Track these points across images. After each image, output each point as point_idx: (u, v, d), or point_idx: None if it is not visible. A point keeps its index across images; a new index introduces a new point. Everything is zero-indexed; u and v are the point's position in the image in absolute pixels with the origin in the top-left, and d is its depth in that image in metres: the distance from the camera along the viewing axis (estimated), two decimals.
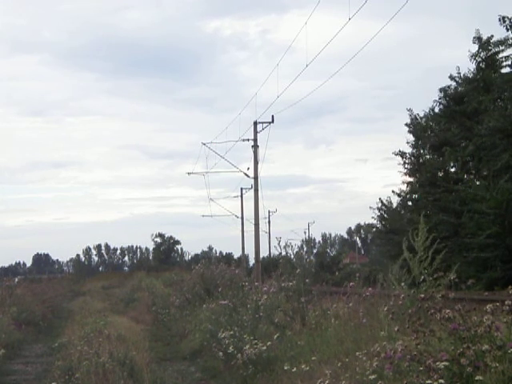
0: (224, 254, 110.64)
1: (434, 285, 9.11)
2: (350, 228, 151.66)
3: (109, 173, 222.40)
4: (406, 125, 38.64)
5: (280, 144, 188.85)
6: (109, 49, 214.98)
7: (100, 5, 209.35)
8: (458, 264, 9.58)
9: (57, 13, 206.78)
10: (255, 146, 32.39)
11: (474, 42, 34.00)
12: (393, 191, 39.69)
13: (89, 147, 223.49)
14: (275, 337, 11.92)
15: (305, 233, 22.83)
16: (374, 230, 45.76)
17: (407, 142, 38.58)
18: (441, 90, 36.63)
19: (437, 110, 37.51)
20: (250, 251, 44.65)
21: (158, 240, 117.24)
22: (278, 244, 15.41)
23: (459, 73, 35.83)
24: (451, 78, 36.31)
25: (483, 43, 33.89)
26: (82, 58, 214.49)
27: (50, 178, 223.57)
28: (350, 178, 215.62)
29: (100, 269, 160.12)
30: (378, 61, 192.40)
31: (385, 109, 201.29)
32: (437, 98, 37.20)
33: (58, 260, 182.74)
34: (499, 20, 30.36)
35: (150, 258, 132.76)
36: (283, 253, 15.43)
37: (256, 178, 32.47)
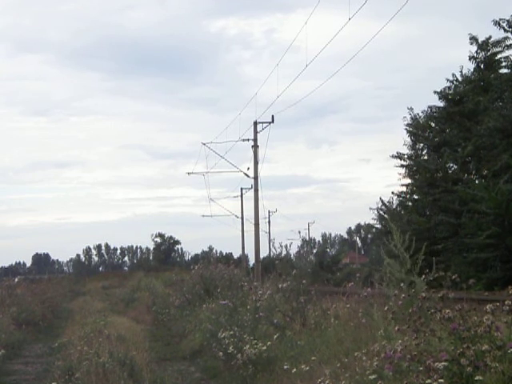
0: (224, 253, 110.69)
1: (413, 286, 9.24)
2: (350, 228, 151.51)
3: (111, 173, 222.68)
4: (407, 125, 38.60)
5: (282, 144, 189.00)
6: (112, 48, 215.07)
7: (104, 4, 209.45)
8: (434, 265, 9.59)
9: (60, 12, 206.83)
10: (255, 146, 32.45)
11: (472, 43, 34.07)
12: (392, 192, 39.70)
13: (91, 147, 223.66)
14: (275, 337, 11.93)
15: (299, 232, 22.58)
16: (374, 229, 45.81)
17: (404, 144, 38.58)
18: (436, 92, 36.52)
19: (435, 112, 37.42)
20: (250, 251, 44.70)
21: (158, 240, 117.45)
22: (273, 245, 15.48)
23: (461, 71, 35.79)
24: (448, 80, 36.32)
25: (481, 44, 33.93)
26: (86, 57, 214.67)
27: (52, 177, 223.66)
28: (352, 178, 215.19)
29: (100, 269, 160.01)
30: (380, 60, 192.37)
31: (388, 109, 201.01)
32: (435, 100, 37.19)
33: (58, 260, 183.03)
34: (494, 24, 30.79)
35: (150, 258, 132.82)
36: (283, 253, 15.49)
37: (256, 178, 32.52)
